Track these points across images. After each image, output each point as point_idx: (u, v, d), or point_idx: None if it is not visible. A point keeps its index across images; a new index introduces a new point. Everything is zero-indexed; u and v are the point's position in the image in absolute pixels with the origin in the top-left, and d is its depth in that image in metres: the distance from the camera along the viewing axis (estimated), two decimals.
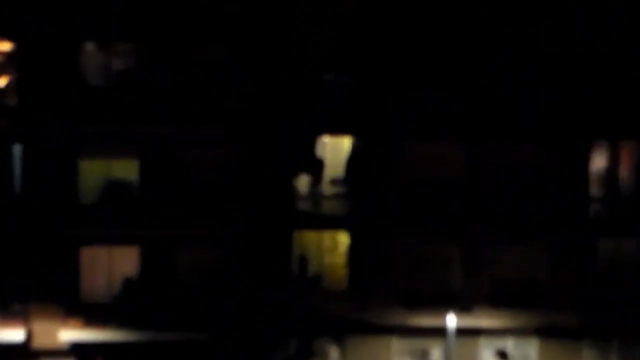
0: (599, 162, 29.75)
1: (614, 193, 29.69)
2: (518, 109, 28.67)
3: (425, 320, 28.86)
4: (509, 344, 29.56)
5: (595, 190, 29.76)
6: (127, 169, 28.15)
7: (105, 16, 26.97)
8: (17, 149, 27.79)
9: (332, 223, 29.39)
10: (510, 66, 28.29)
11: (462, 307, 28.99)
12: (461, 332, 27.58)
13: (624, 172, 29.77)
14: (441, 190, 29.17)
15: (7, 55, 27.27)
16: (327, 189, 29.44)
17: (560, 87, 28.66)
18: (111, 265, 28.40)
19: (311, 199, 28.66)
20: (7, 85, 27.33)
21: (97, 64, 27.82)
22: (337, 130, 28.80)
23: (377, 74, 28.30)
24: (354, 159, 29.21)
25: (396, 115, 28.63)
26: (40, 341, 27.72)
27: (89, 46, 27.89)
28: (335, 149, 29.50)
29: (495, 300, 29.57)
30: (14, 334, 27.61)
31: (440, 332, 27.73)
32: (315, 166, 28.81)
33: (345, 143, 29.50)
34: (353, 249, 29.54)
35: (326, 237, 29.81)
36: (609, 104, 28.93)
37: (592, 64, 28.58)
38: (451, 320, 26.89)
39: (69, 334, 27.93)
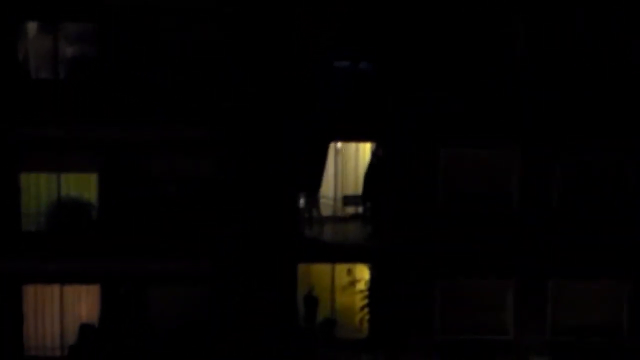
0: None
1: None
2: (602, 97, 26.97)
3: None
4: None
5: None
6: (82, 185, 26.85)
7: None
8: None
9: (348, 253, 27.73)
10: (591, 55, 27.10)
11: None
12: None
13: None
14: (490, 208, 27.47)
15: None
16: (341, 209, 28.72)
17: None
18: (64, 308, 27.01)
19: (307, 220, 27.84)
20: None
21: (42, 51, 26.27)
22: (351, 133, 27.47)
23: (401, 57, 26.81)
24: (375, 170, 27.92)
25: (428, 112, 27.05)
26: None
27: (31, 28, 26.37)
28: (351, 157, 28.99)
29: (560, 353, 27.85)
30: None
31: None
32: (313, 178, 27.76)
33: (363, 150, 28.67)
34: (375, 286, 27.88)
35: (340, 271, 28.30)
36: None
37: None
38: None
39: None
